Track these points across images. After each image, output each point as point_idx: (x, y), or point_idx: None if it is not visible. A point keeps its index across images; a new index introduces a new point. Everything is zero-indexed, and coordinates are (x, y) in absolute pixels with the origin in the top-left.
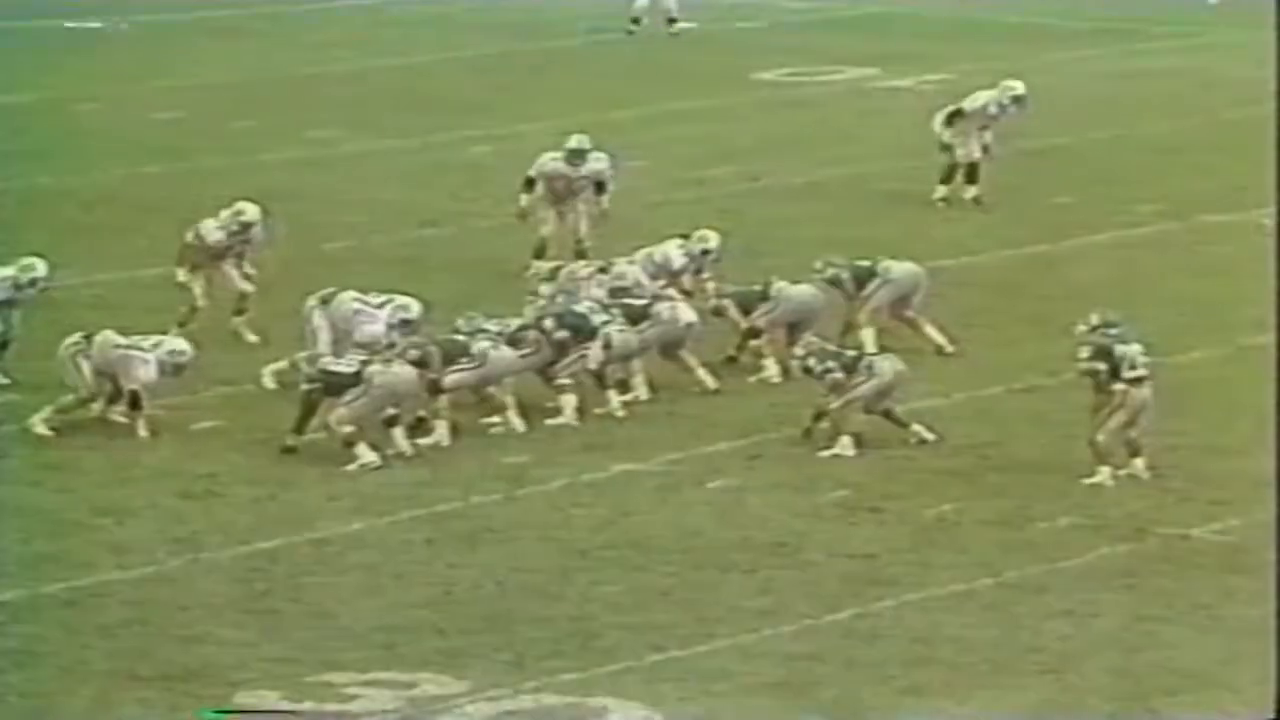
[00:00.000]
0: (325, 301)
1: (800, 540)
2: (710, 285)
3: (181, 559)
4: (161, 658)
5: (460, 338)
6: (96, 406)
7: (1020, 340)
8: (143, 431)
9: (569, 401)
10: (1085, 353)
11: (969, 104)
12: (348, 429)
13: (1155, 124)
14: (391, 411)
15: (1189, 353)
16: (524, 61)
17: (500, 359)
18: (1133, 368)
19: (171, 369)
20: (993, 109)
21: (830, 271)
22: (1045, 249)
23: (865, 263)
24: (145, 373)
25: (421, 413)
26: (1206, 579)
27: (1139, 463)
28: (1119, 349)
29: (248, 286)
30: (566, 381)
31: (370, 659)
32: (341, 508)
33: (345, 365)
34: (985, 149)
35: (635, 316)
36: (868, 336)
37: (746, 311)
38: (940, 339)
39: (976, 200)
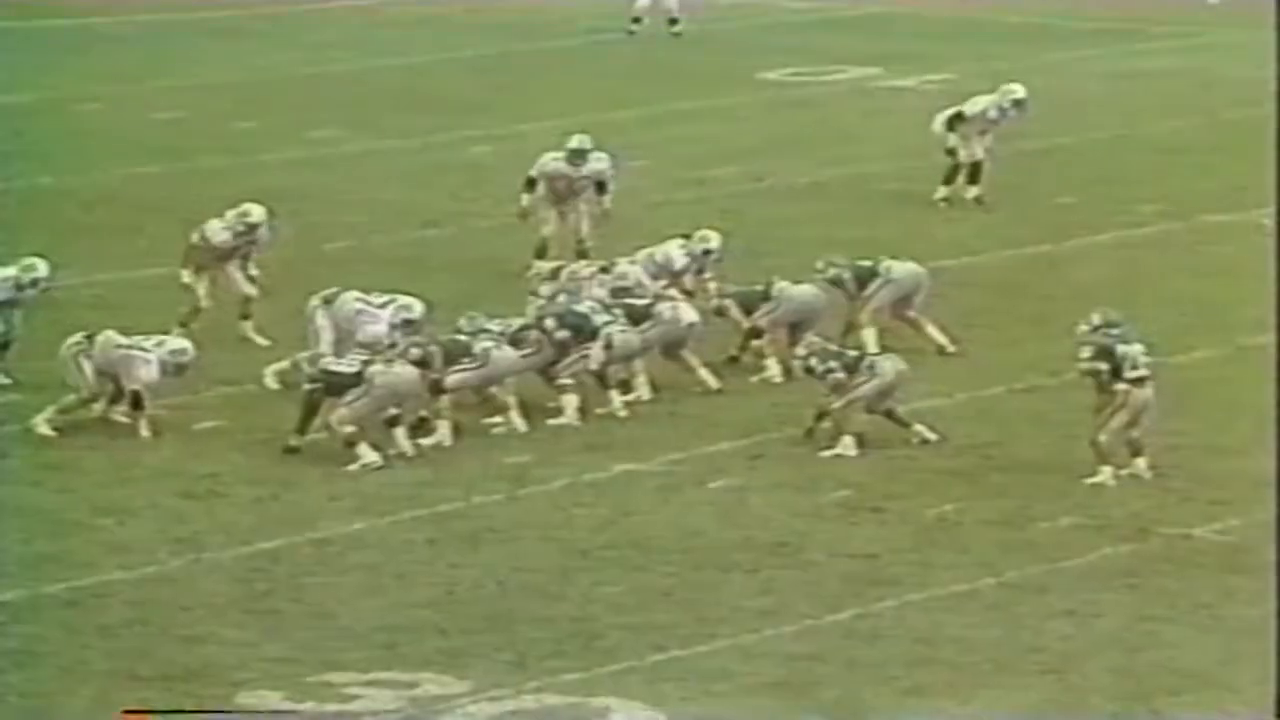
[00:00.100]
0: (328, 301)
1: (802, 540)
2: (712, 285)
3: (183, 559)
4: (162, 658)
5: (462, 338)
6: (98, 407)
7: (1022, 340)
8: (144, 431)
9: (570, 401)
10: (1087, 353)
11: (969, 108)
12: (349, 429)
13: (1156, 124)
14: (393, 411)
15: (1190, 353)
16: (524, 61)
17: (502, 359)
18: (1134, 368)
19: (173, 369)
20: (993, 113)
21: (832, 271)
22: (1047, 249)
23: (867, 263)
24: (147, 373)
25: (423, 413)
26: (1208, 579)
27: (1141, 463)
28: (1121, 349)
29: (251, 290)
30: (568, 381)
31: (372, 659)
32: (343, 508)
33: (347, 365)
34: (987, 153)
35: (637, 316)
36: (869, 336)
37: (748, 311)
38: (942, 339)
39: (978, 200)
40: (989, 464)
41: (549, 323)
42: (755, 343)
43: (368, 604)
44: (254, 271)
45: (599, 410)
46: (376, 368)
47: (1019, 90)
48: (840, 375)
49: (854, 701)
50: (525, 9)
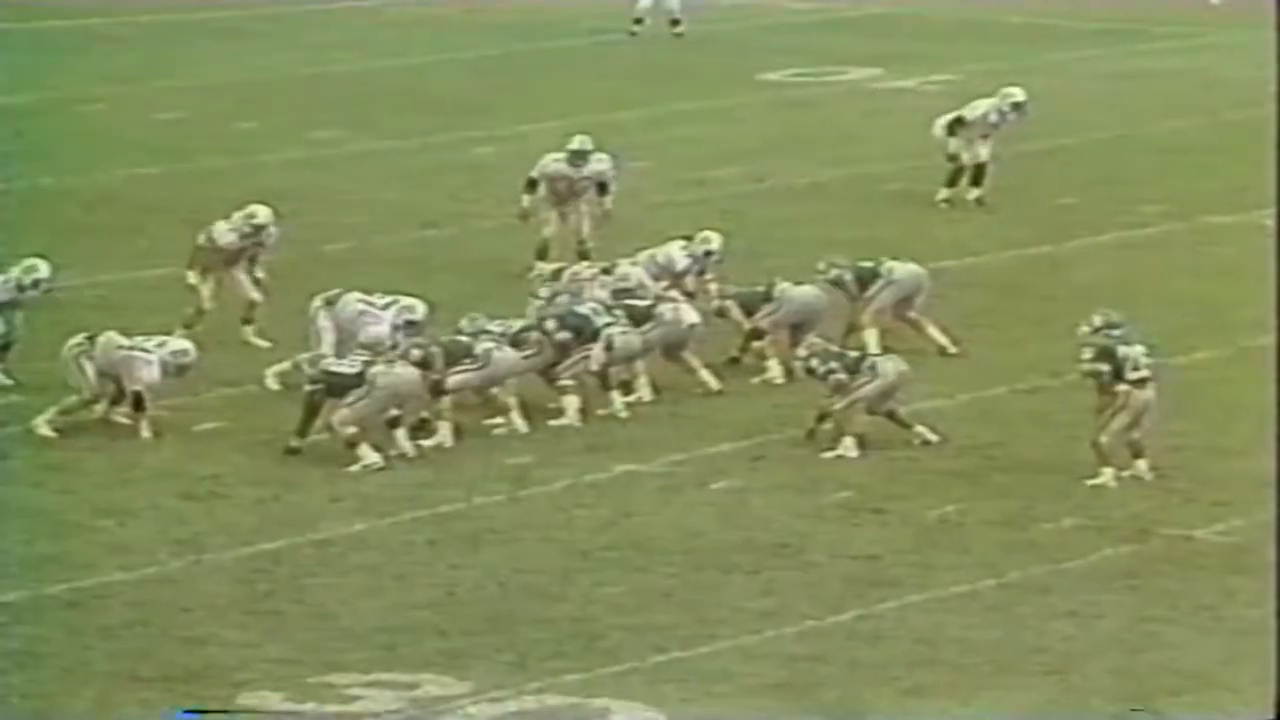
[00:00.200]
0: (330, 303)
1: (803, 541)
2: (713, 286)
3: (184, 560)
4: (164, 659)
5: (463, 339)
6: (100, 408)
7: (1023, 341)
8: (145, 432)
9: (571, 402)
10: (1088, 354)
11: (969, 112)
12: (350, 430)
13: (1158, 124)
14: (394, 412)
15: (1192, 354)
16: (526, 62)
17: (503, 360)
18: (1136, 369)
19: (175, 370)
20: (993, 117)
21: (833, 272)
22: (1048, 250)
23: (868, 264)
24: (148, 374)
25: (424, 414)
26: (1210, 580)
27: (1142, 464)
28: (1122, 350)
29: (257, 295)
30: (569, 382)
31: (373, 660)
32: (344, 509)
33: (348, 366)
34: (992, 158)
35: (638, 318)
36: (871, 337)
37: (749, 312)
38: (943, 340)
39: (979, 201)
40: (990, 465)
41: (550, 324)
42: (756, 344)
43: (369, 605)
44: (261, 274)
45: (600, 411)
46: (378, 369)
47: (1018, 93)
48: (841, 376)
49: (855, 702)
50: (526, 9)
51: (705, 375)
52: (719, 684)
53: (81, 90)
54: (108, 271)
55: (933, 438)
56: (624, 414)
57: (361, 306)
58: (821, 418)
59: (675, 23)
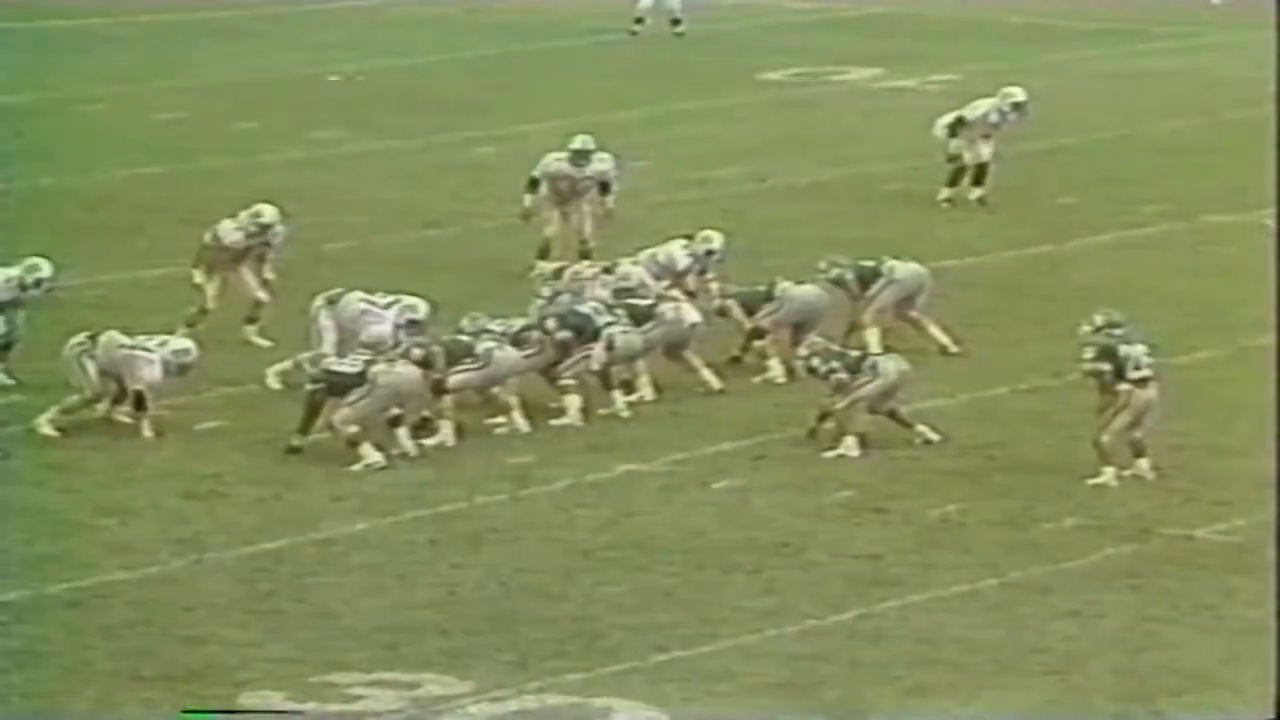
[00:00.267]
0: (332, 302)
1: (804, 541)
2: (714, 286)
3: (185, 559)
4: (165, 658)
5: (464, 338)
6: (101, 407)
7: (1024, 341)
8: (147, 432)
9: (573, 402)
10: (1090, 353)
11: (969, 112)
12: (352, 429)
13: (1159, 124)
14: (396, 412)
15: (1193, 353)
16: (526, 62)
17: (505, 359)
18: (1137, 368)
19: (176, 369)
20: (994, 117)
21: (835, 272)
22: (1049, 249)
23: (870, 263)
24: (150, 373)
25: (426, 413)
26: (1211, 579)
27: (1143, 463)
28: (1124, 349)
29: (263, 295)
30: (570, 382)
31: (374, 659)
32: (346, 508)
33: (349, 365)
34: (995, 158)
35: (640, 317)
36: (872, 337)
37: (751, 312)
38: (945, 339)
39: (981, 201)
40: (992, 465)
41: (550, 323)
42: (758, 343)
43: (370, 604)
44: (269, 275)
45: (602, 411)
46: (379, 368)
47: (1019, 93)
48: (842, 376)
49: (857, 702)
50: (527, 9)
51: (707, 375)
52: (720, 683)
53: (82, 90)
54: (108, 271)
55: (934, 437)
56: (625, 413)
57: (363, 306)
58: (823, 417)
59: (676, 22)
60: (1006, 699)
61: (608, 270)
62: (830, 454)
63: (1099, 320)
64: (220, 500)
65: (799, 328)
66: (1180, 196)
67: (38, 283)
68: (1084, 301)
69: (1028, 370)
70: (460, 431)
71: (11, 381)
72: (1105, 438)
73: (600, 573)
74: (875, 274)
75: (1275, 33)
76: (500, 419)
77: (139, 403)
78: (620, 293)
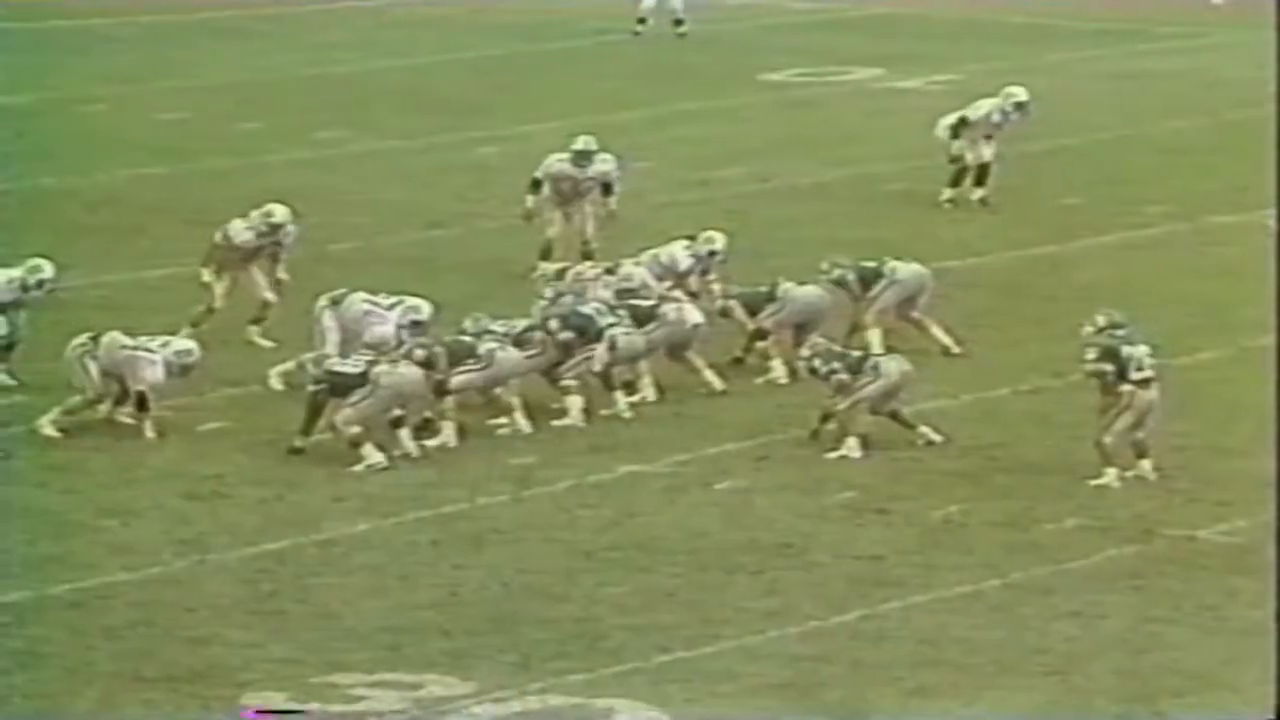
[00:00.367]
0: (336, 302)
1: (807, 541)
2: (716, 286)
3: (187, 560)
4: (167, 659)
5: (466, 339)
6: (104, 408)
7: (1027, 341)
8: (149, 433)
9: (575, 402)
10: (1092, 354)
11: (972, 113)
12: (354, 430)
13: (1161, 124)
14: (398, 412)
15: (1196, 354)
16: (528, 62)
17: (507, 360)
18: (1140, 369)
19: (179, 370)
20: (996, 117)
21: (837, 272)
22: (1051, 250)
23: (871, 264)
24: (152, 374)
25: (428, 414)
26: (1213, 580)
27: (1146, 464)
28: (1126, 350)
29: (271, 296)
30: (572, 382)
31: (376, 660)
32: (348, 509)
33: (351, 366)
34: (996, 158)
35: (642, 318)
36: (874, 337)
37: (753, 313)
38: (947, 340)
39: (983, 201)
40: (994, 465)
41: (552, 323)
42: (760, 344)
43: (372, 605)
44: (283, 275)
45: (604, 411)
46: (381, 368)
47: (1021, 93)
48: (844, 376)
49: (859, 702)
50: (530, 10)
51: (709, 375)
52: (723, 684)
53: (83, 90)
54: (110, 272)
55: (936, 438)
56: (628, 414)
57: (367, 306)
58: (825, 418)
59: (679, 23)
60: (1009, 700)
61: (610, 271)
62: (832, 455)
63: (1101, 321)
64: (222, 501)
65: (801, 328)
66: (1182, 197)
67: (40, 283)
68: (1086, 302)
69: (1030, 371)
70: (462, 432)
71: (13, 382)
72: (1107, 438)
73: (602, 573)
74: (877, 274)
75: (1276, 33)
76: (502, 420)
77: (141, 403)
78: (622, 293)
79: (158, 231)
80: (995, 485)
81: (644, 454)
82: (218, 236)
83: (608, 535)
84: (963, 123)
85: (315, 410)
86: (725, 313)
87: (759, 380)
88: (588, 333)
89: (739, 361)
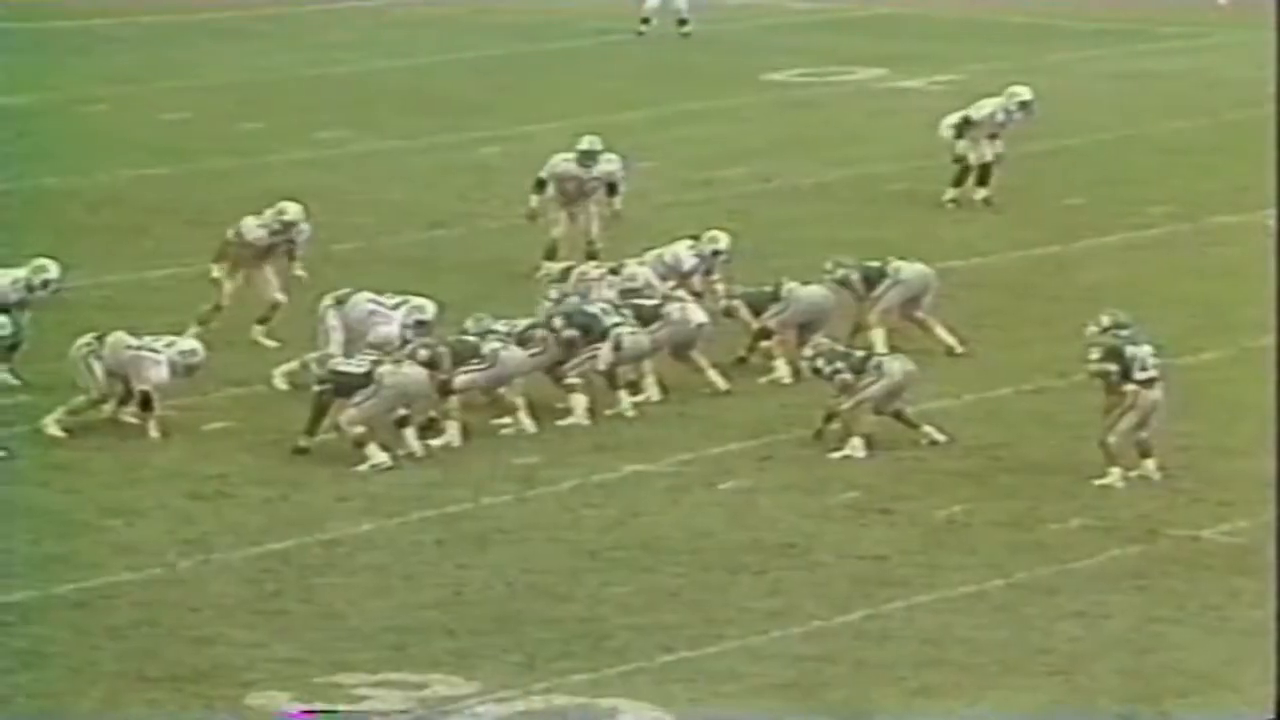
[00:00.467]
0: (340, 302)
1: (810, 541)
2: (720, 286)
3: (191, 560)
4: (171, 659)
5: (470, 338)
6: (108, 408)
7: (1030, 341)
8: (154, 432)
9: (579, 401)
10: (1096, 354)
11: (975, 112)
12: (359, 430)
13: (1164, 125)
14: (402, 412)
15: (1199, 354)
16: (531, 62)
17: (511, 360)
18: (1144, 369)
19: (183, 369)
20: (1000, 116)
21: (840, 272)
22: (1055, 250)
23: (875, 264)
24: (157, 373)
25: (432, 413)
26: (1217, 580)
27: (1149, 464)
28: (1130, 350)
29: (281, 297)
30: (577, 380)
31: (380, 660)
32: (352, 508)
33: (356, 366)
34: (997, 158)
35: (646, 317)
36: (878, 337)
37: (757, 312)
38: (950, 340)
39: (986, 201)
40: (997, 465)
41: (557, 321)
42: (764, 344)
43: (376, 605)
44: (299, 272)
45: (608, 411)
46: (385, 368)
47: (1025, 93)
48: (847, 376)
49: (862, 702)
50: (532, 9)
51: (713, 375)
52: (726, 684)
53: (84, 91)
54: (113, 272)
55: (940, 438)
56: (631, 414)
57: (371, 306)
58: (830, 418)
59: (683, 22)
60: (1012, 699)
61: (614, 271)
62: (836, 455)
63: (1105, 321)
64: (227, 501)
65: (805, 328)
66: (1185, 197)
67: (45, 283)
68: (1090, 302)
69: (1033, 371)
70: (466, 432)
71: (17, 382)
72: (1111, 438)
73: (606, 573)
74: (881, 274)
75: (1276, 33)
76: (506, 419)
77: (145, 403)
78: (626, 293)
79: (159, 232)
80: (999, 485)
81: (648, 453)
82: (230, 234)
83: (612, 535)
84: (966, 122)
85: (320, 410)
86: (729, 312)
87: (763, 380)
88: (593, 332)
89: (743, 361)
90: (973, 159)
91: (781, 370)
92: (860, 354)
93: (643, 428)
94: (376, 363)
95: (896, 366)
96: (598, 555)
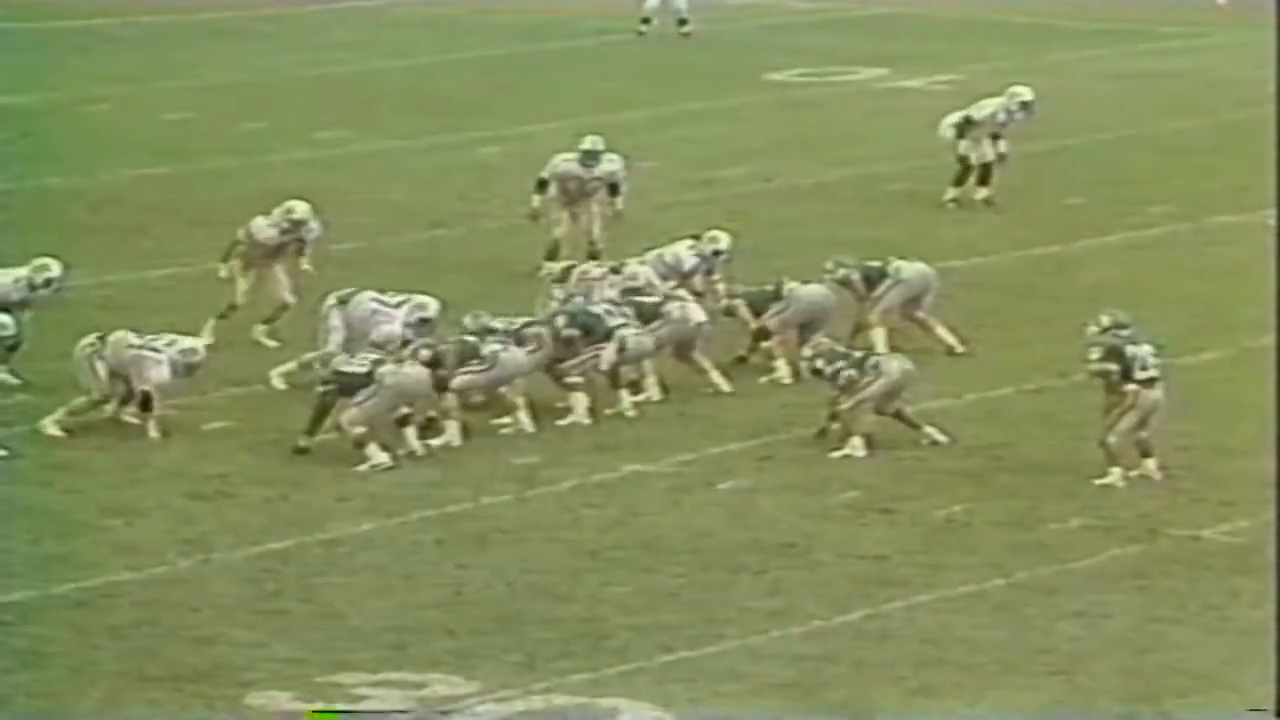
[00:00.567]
0: (344, 301)
1: (810, 541)
2: (721, 286)
3: (192, 560)
4: (171, 658)
5: (471, 339)
6: (109, 408)
7: (1031, 341)
8: (154, 432)
9: (580, 400)
10: (1096, 354)
11: (977, 113)
12: (359, 429)
13: (1164, 124)
14: (403, 411)
15: (1199, 354)
16: (531, 62)
17: (511, 360)
18: (1144, 368)
19: (184, 369)
20: (1001, 116)
21: (841, 272)
22: (1056, 250)
23: (876, 263)
24: (158, 373)
25: (432, 413)
26: (1217, 580)
27: (1150, 464)
28: (1130, 350)
29: (290, 299)
30: (577, 379)
31: (381, 659)
32: (352, 508)
33: (358, 365)
34: (1000, 158)
35: (646, 316)
36: (878, 337)
37: (758, 312)
38: (951, 340)
39: (987, 201)
40: (998, 465)
41: (559, 320)
42: (764, 343)
43: (377, 604)
44: (307, 266)
45: (608, 410)
46: (387, 368)
47: (1026, 93)
48: (852, 373)
49: (862, 702)
50: (533, 9)
51: (714, 375)
52: (726, 684)
53: (86, 91)
54: (114, 272)
55: (940, 438)
56: (632, 413)
57: (374, 305)
58: (833, 417)
59: (683, 22)
60: (1012, 699)
61: (615, 270)
62: (836, 454)
63: (1105, 321)
64: (227, 501)
65: (806, 328)
66: (1185, 197)
67: (47, 282)
68: (1090, 302)
69: (1034, 370)
70: (466, 432)
71: (17, 381)
72: (1111, 438)
73: (606, 573)
74: (881, 274)
75: (1276, 33)
76: (506, 419)
77: (145, 403)
78: (627, 293)
79: (160, 231)
80: (999, 485)
81: (648, 453)
82: (240, 234)
83: (612, 535)
84: (968, 122)
85: (323, 410)
86: (730, 312)
87: (763, 380)
88: (595, 332)
89: (743, 361)
90: (974, 159)
91: (781, 370)
92: (859, 354)
93: (643, 428)
94: (378, 362)
95: (894, 366)
96: (598, 555)
